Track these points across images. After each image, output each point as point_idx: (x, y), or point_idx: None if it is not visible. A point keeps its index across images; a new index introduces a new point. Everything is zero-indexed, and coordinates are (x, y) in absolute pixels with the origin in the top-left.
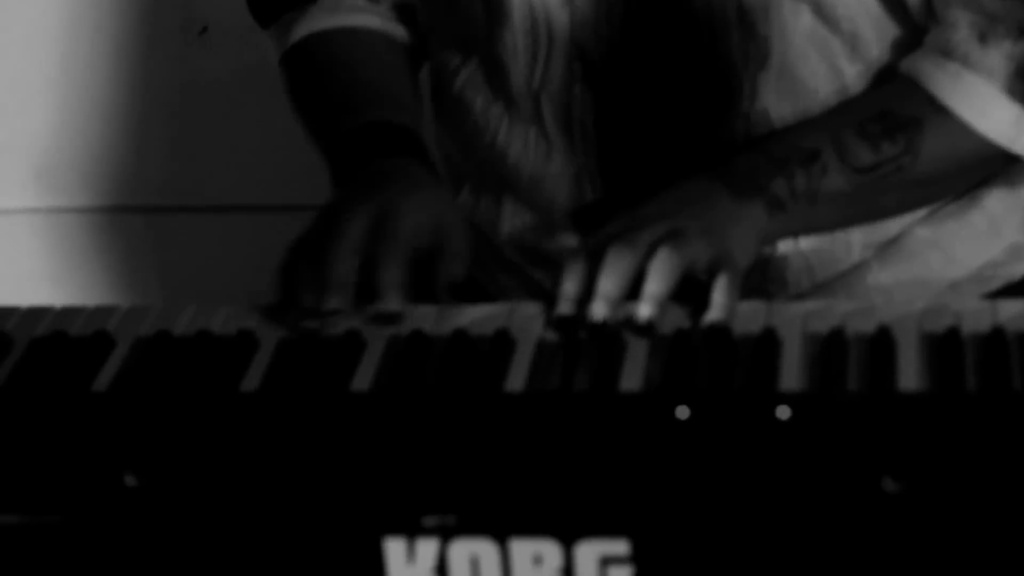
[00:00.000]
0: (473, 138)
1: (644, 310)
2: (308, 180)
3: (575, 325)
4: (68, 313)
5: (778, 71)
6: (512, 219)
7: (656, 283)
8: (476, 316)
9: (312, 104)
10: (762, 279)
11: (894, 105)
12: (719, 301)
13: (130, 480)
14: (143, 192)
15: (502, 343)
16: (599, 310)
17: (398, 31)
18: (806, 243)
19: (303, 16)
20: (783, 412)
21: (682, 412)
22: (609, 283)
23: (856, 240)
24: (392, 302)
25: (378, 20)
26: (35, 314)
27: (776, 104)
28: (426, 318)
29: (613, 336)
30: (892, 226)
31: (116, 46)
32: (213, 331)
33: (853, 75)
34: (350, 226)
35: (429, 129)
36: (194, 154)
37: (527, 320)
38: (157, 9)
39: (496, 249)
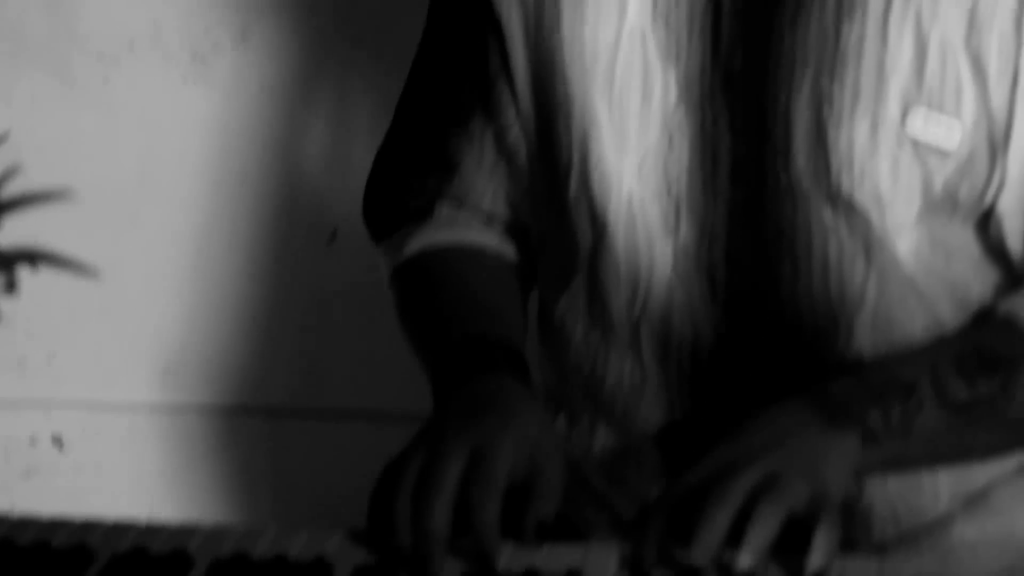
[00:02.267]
0: (572, 364)
1: (745, 560)
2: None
3: (655, 567)
4: (151, 531)
5: (872, 314)
6: (604, 446)
7: (759, 535)
8: (551, 553)
9: (419, 317)
10: (846, 526)
11: (992, 344)
12: (822, 546)
13: None
14: (265, 393)
15: None
16: (699, 558)
17: (510, 252)
18: (893, 488)
19: (418, 231)
20: None
21: None
22: (707, 534)
23: (944, 490)
24: (489, 543)
25: (491, 239)
26: (120, 529)
27: (870, 346)
28: (501, 553)
29: None
30: (980, 477)
31: (247, 248)
32: (290, 556)
33: (951, 319)
34: (447, 471)
35: (533, 354)
36: (319, 358)
37: (602, 560)
38: (288, 213)
39: (585, 479)
